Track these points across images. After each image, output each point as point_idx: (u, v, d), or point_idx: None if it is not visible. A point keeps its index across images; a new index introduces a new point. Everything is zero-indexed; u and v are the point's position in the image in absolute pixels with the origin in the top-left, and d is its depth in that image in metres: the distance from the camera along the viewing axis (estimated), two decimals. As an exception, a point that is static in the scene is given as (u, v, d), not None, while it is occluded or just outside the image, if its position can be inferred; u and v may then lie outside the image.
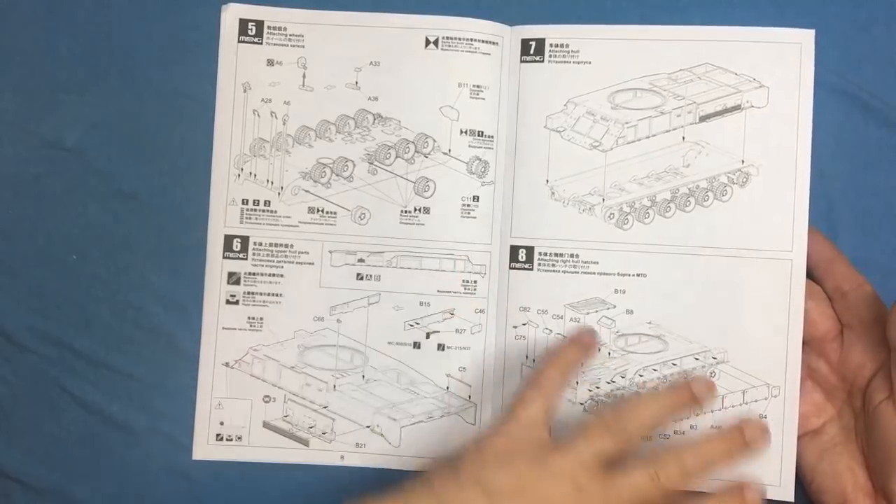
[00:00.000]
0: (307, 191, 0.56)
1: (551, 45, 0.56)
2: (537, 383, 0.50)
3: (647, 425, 0.50)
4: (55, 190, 0.56)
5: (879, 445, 0.50)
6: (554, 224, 0.55)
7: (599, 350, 0.54)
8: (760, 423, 0.51)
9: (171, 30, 0.56)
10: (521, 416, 0.49)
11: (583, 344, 0.53)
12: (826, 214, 0.56)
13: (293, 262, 0.55)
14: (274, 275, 0.55)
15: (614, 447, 0.48)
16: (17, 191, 0.56)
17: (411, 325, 0.55)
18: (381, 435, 0.55)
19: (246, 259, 0.56)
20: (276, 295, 0.56)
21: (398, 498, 0.46)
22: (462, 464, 0.48)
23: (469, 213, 0.55)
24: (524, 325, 0.55)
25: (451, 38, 0.56)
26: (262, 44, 0.56)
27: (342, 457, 0.55)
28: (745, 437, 0.50)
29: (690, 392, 0.51)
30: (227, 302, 0.56)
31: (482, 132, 0.56)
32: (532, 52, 0.56)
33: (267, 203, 0.56)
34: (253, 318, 0.56)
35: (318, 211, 0.56)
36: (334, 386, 0.55)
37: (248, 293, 0.56)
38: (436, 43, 0.56)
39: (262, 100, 0.56)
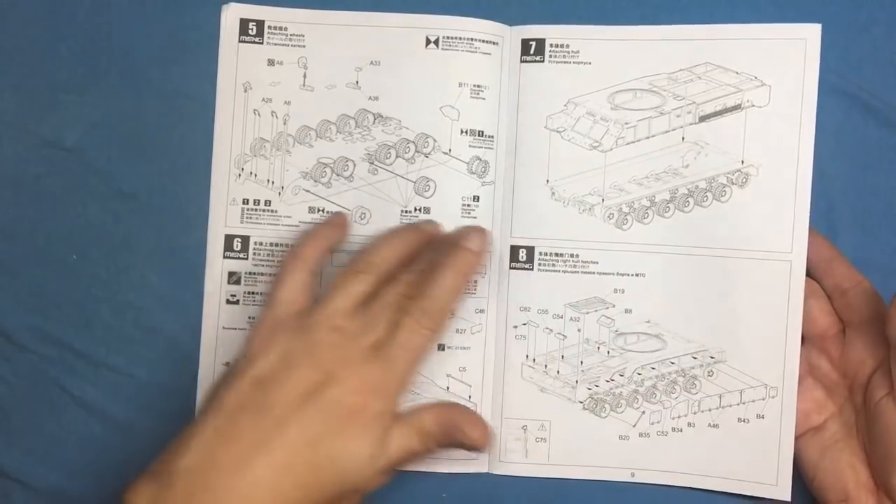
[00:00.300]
0: (307, 190, 0.56)
1: (551, 46, 0.56)
2: (291, 260, 0.52)
3: (391, 258, 0.52)
4: (55, 190, 0.56)
5: (880, 442, 0.50)
6: (554, 224, 0.55)
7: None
8: (478, 228, 0.53)
9: (171, 30, 0.56)
10: (278, 297, 0.51)
11: (335, 224, 0.55)
12: (826, 214, 0.56)
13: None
14: (274, 275, 0.55)
15: (367, 286, 0.50)
16: (17, 191, 0.56)
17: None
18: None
19: (246, 259, 0.56)
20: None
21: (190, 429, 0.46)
22: (236, 366, 0.49)
23: (469, 213, 0.55)
24: (524, 324, 0.55)
25: (452, 38, 0.56)
26: (262, 43, 0.56)
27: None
28: (469, 245, 0.51)
29: (418, 228, 0.54)
30: (228, 302, 0.56)
31: (482, 132, 0.56)
32: (532, 52, 0.56)
33: (267, 203, 0.56)
34: (253, 318, 0.55)
35: (318, 210, 0.56)
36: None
37: (249, 293, 0.56)
38: (436, 42, 0.56)
39: (263, 99, 0.56)
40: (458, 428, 0.50)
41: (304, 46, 0.56)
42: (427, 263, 0.51)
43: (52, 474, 0.55)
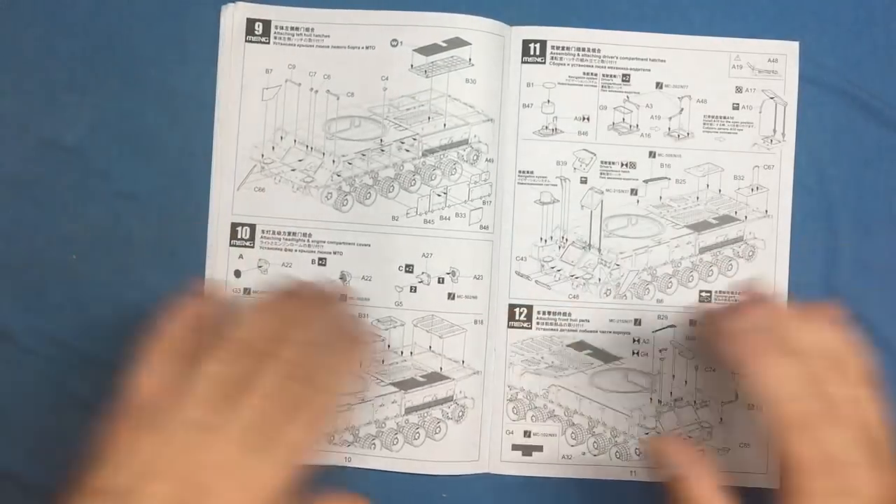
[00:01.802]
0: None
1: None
2: (151, 340, 0.44)
3: (264, 331, 0.43)
4: (55, 190, 0.55)
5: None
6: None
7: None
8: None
9: (170, 30, 0.56)
10: (131, 386, 0.43)
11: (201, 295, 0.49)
12: (826, 214, 0.56)
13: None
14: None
15: (234, 366, 0.41)
16: (17, 191, 0.55)
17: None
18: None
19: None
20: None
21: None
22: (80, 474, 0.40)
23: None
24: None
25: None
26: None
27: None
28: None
29: (298, 294, 0.47)
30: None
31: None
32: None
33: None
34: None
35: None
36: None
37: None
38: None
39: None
40: None
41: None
42: (317, 336, 0.43)
43: (52, 474, 0.55)
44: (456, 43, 0.55)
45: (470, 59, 0.55)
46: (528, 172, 0.56)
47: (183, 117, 0.56)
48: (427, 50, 0.55)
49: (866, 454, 0.44)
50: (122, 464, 0.39)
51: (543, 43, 0.56)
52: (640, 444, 0.55)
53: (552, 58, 0.56)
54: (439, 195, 0.55)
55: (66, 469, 0.53)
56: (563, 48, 0.56)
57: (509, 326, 0.56)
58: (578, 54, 0.56)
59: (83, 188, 0.56)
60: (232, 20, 0.56)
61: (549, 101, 0.56)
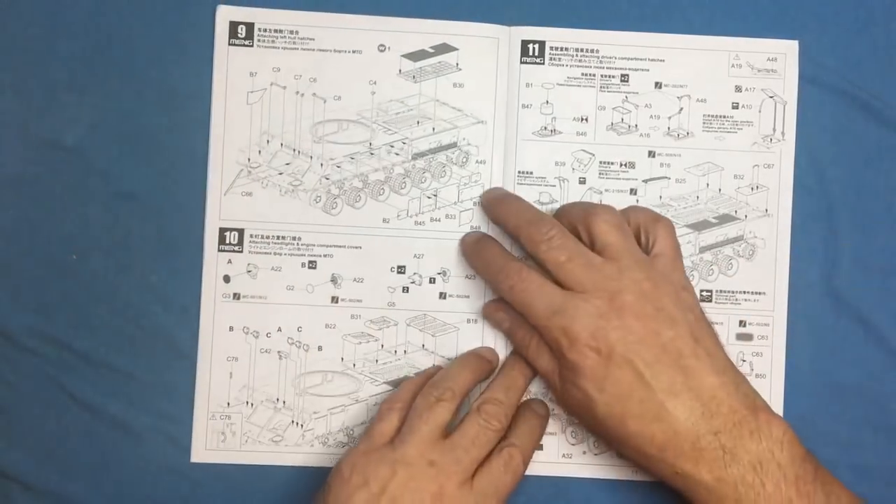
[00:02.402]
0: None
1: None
2: (391, 400, 0.52)
3: (466, 384, 0.52)
4: (55, 190, 0.56)
5: None
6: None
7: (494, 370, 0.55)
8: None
9: (169, 30, 0.56)
10: (373, 432, 0.51)
11: (466, 364, 0.54)
12: (826, 214, 0.56)
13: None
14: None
15: (448, 413, 0.50)
16: (17, 191, 0.56)
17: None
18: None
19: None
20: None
21: None
22: (329, 490, 0.50)
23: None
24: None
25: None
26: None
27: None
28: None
29: (483, 357, 0.55)
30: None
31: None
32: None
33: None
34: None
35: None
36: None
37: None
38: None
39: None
40: None
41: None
42: (500, 389, 0.52)
43: (52, 474, 0.55)
44: (443, 49, 0.55)
45: (457, 64, 0.56)
46: (527, 173, 0.56)
47: (182, 118, 0.56)
48: (415, 56, 0.56)
49: None
50: (371, 487, 0.48)
51: (542, 43, 0.56)
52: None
53: (551, 58, 0.56)
54: (429, 197, 0.56)
55: (67, 470, 0.53)
56: (561, 49, 0.56)
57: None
58: (577, 55, 0.56)
59: (83, 188, 0.56)
60: (219, 22, 0.56)
61: (547, 101, 0.56)
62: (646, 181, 0.56)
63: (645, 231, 0.52)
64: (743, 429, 0.47)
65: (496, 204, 0.54)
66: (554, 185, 0.56)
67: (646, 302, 0.49)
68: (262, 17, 0.56)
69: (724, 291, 0.56)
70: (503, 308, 0.54)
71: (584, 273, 0.49)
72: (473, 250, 0.54)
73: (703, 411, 0.47)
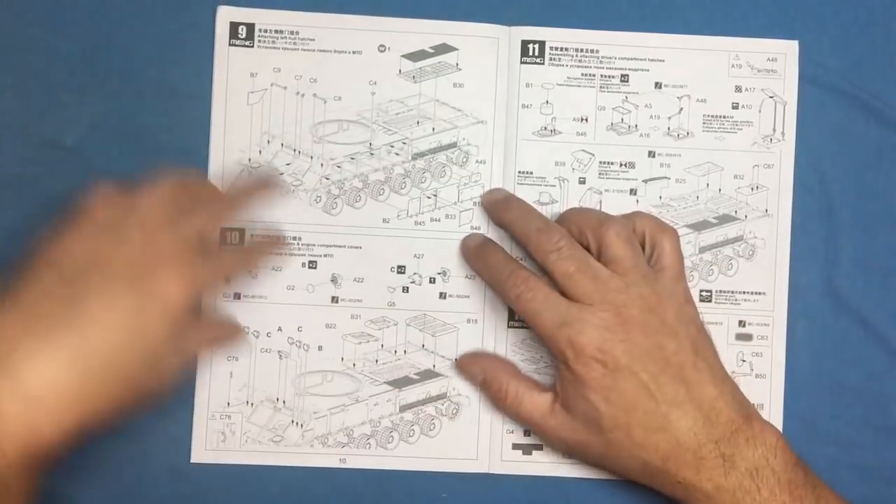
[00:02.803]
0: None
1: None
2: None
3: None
4: (55, 190, 0.56)
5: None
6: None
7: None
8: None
9: (169, 30, 0.56)
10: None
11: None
12: (826, 214, 0.56)
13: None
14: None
15: (174, 188, 0.50)
16: (17, 191, 0.56)
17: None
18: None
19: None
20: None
21: None
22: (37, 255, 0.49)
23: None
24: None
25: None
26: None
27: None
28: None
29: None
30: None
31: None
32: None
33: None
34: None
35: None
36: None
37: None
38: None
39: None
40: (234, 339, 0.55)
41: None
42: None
43: (52, 474, 0.55)
44: (443, 49, 0.56)
45: (457, 64, 0.56)
46: (527, 173, 0.56)
47: (183, 118, 0.56)
48: (415, 56, 0.56)
49: None
50: (75, 244, 0.48)
51: (542, 43, 0.56)
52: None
53: (551, 58, 0.56)
54: (429, 197, 0.56)
55: (67, 470, 0.53)
56: (561, 49, 0.56)
57: (509, 326, 0.56)
58: (577, 55, 0.56)
59: (83, 188, 0.56)
60: (219, 23, 0.56)
61: (547, 101, 0.56)
62: (646, 181, 0.56)
63: (651, 241, 0.53)
64: (740, 437, 0.49)
65: (501, 207, 0.54)
66: (554, 185, 0.56)
67: (651, 316, 0.50)
68: (262, 17, 0.56)
69: (724, 291, 0.56)
70: (477, 361, 0.55)
71: (591, 285, 0.50)
72: (477, 255, 0.54)
73: (704, 421, 0.49)
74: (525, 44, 0.56)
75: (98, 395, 0.46)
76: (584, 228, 0.52)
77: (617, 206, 0.56)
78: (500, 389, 0.53)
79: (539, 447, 0.55)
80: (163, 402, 0.51)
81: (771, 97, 0.56)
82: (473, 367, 0.55)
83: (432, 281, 0.56)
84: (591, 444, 0.51)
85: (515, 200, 0.55)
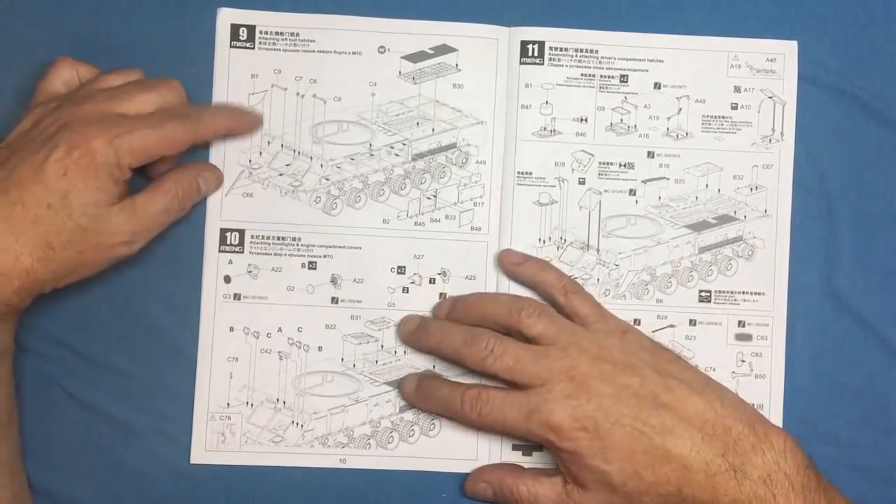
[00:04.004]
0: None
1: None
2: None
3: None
4: (55, 190, 0.56)
5: None
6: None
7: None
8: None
9: (170, 32, 0.56)
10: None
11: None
12: (826, 214, 0.56)
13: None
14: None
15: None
16: (18, 191, 0.56)
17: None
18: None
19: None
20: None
21: None
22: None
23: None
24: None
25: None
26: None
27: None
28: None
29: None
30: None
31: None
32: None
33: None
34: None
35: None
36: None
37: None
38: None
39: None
40: (198, 178, 0.54)
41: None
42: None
43: (52, 474, 0.55)
44: (442, 50, 0.56)
45: (457, 65, 0.56)
46: (526, 173, 0.56)
47: (182, 118, 0.56)
48: (414, 57, 0.56)
49: None
50: (22, 123, 0.51)
51: (542, 44, 0.56)
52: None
53: (550, 59, 0.56)
54: (429, 198, 0.56)
55: (67, 470, 0.53)
56: (561, 49, 0.56)
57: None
58: (576, 55, 0.56)
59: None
60: (220, 25, 0.56)
61: (547, 102, 0.56)
62: (645, 182, 0.56)
63: (561, 297, 0.54)
64: (744, 444, 0.49)
65: (420, 336, 0.55)
66: (553, 186, 0.56)
67: (601, 363, 0.50)
68: (263, 19, 0.56)
69: (724, 292, 0.56)
70: (480, 477, 0.55)
71: (535, 367, 0.51)
72: (421, 395, 0.54)
73: (702, 437, 0.49)
74: (525, 44, 0.56)
75: (35, 250, 0.48)
76: (497, 320, 0.53)
77: (617, 206, 0.56)
78: (512, 494, 0.53)
79: (539, 447, 0.55)
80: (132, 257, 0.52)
81: (770, 97, 0.56)
82: (479, 485, 0.54)
83: (432, 281, 0.56)
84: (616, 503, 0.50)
85: (429, 323, 0.55)
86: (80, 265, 0.50)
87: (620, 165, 0.56)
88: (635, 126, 0.56)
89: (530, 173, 0.56)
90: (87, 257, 0.50)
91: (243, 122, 0.55)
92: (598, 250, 0.56)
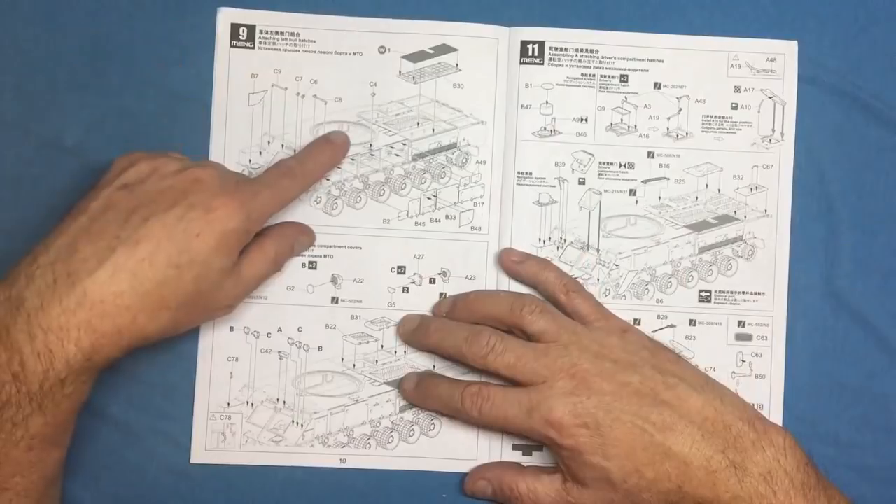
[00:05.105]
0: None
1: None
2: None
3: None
4: (55, 190, 0.56)
5: None
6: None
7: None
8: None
9: (170, 31, 0.56)
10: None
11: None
12: (826, 214, 0.56)
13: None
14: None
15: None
16: (17, 191, 0.56)
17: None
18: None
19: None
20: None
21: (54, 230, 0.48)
22: (101, 179, 0.51)
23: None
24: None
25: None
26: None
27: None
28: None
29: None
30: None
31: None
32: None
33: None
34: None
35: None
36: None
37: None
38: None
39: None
40: (294, 242, 0.54)
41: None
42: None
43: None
44: (443, 49, 0.56)
45: (457, 65, 0.56)
46: (526, 173, 0.56)
47: (182, 119, 0.56)
48: (415, 57, 0.56)
49: None
50: (140, 167, 0.50)
51: (542, 44, 0.56)
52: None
53: (550, 59, 0.56)
54: (429, 198, 0.56)
55: (67, 470, 0.53)
56: (561, 49, 0.56)
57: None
58: (576, 55, 0.56)
59: (83, 188, 0.55)
60: (220, 24, 0.56)
61: (547, 102, 0.56)
62: (645, 182, 0.56)
63: (563, 296, 0.54)
64: (744, 441, 0.49)
65: (420, 334, 0.55)
66: (554, 186, 0.56)
67: (602, 361, 0.51)
68: (263, 19, 0.56)
69: (724, 292, 0.56)
70: (479, 475, 0.55)
71: (536, 364, 0.51)
72: (422, 393, 0.55)
73: (702, 434, 0.49)
74: (525, 44, 0.56)
75: (153, 310, 0.47)
76: (499, 317, 0.53)
77: (617, 206, 0.56)
78: (512, 492, 0.53)
79: (539, 447, 0.55)
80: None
81: (770, 97, 0.56)
82: (478, 482, 0.54)
83: (432, 281, 0.56)
84: (616, 502, 0.50)
85: (430, 322, 0.55)
86: (184, 325, 0.49)
87: (620, 165, 0.56)
88: (635, 126, 0.56)
89: (530, 173, 0.56)
90: (193, 319, 0.50)
91: (340, 151, 0.55)
92: (598, 250, 0.56)
